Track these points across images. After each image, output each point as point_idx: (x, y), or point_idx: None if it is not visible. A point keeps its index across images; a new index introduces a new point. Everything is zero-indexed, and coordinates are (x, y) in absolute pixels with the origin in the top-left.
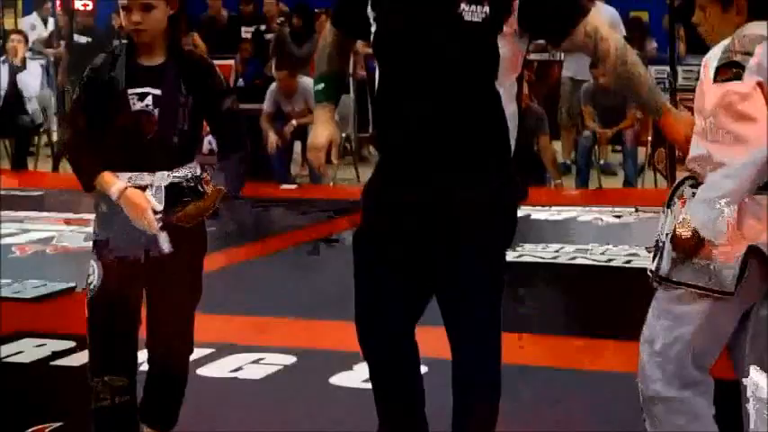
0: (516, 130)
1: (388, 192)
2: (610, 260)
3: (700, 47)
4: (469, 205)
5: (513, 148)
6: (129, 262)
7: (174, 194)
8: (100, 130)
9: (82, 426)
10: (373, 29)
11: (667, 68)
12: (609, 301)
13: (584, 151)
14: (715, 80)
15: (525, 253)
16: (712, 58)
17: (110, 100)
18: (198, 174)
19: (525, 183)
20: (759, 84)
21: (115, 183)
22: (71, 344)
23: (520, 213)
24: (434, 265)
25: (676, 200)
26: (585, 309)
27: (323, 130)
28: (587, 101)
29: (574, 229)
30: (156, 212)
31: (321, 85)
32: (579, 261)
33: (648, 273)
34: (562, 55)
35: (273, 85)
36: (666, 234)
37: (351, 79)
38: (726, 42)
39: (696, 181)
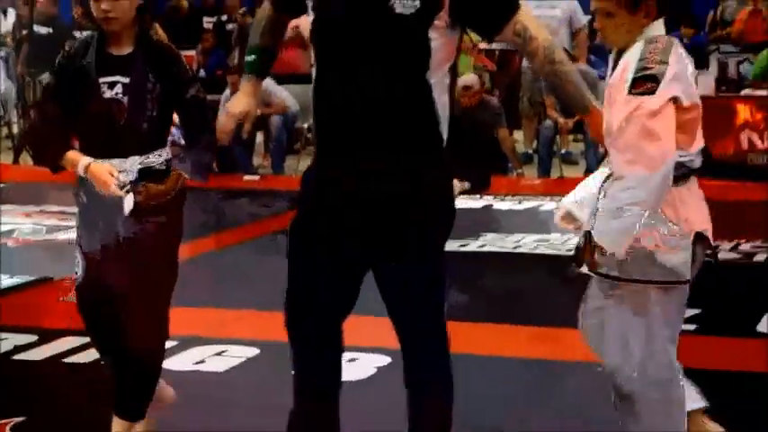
0: (448, 121)
1: (326, 176)
2: (571, 250)
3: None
4: (406, 194)
5: (445, 138)
6: (110, 251)
7: (146, 178)
8: (71, 116)
9: (45, 420)
10: (311, 18)
11: None
12: (572, 291)
13: (545, 141)
14: (630, 92)
15: (487, 243)
16: (630, 69)
17: (82, 87)
18: (169, 158)
19: (487, 172)
20: (674, 98)
21: (81, 159)
22: (33, 338)
23: (482, 203)
24: (376, 253)
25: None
26: (548, 298)
27: (242, 100)
28: (549, 91)
29: (536, 218)
30: (124, 185)
31: (252, 57)
32: (541, 251)
33: (586, 268)
34: None
35: (227, 92)
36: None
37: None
38: (639, 48)
39: None
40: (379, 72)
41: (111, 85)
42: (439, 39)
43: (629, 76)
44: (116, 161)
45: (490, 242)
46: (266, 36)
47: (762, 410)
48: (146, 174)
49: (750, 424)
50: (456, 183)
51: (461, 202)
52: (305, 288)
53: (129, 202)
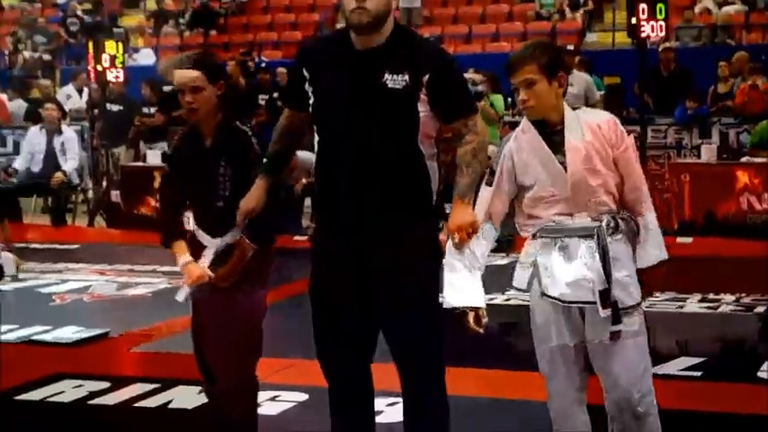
0: (437, 183)
1: (330, 241)
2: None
3: (665, 109)
4: (402, 250)
5: (434, 198)
6: (198, 304)
7: (224, 256)
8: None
9: None
10: (311, 101)
11: (638, 128)
12: None
13: None
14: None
15: (513, 296)
16: (605, 126)
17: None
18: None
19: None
20: None
21: (182, 255)
22: (106, 384)
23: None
24: (372, 306)
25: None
26: None
27: (253, 198)
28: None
29: None
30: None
31: (266, 161)
32: None
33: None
34: None
35: None
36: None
37: None
38: (591, 111)
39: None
40: (377, 142)
41: None
42: (425, 112)
43: (620, 127)
44: (206, 237)
45: (515, 296)
46: (282, 141)
47: None
48: (224, 252)
49: None
50: None
51: (489, 260)
52: (320, 338)
53: (182, 293)
